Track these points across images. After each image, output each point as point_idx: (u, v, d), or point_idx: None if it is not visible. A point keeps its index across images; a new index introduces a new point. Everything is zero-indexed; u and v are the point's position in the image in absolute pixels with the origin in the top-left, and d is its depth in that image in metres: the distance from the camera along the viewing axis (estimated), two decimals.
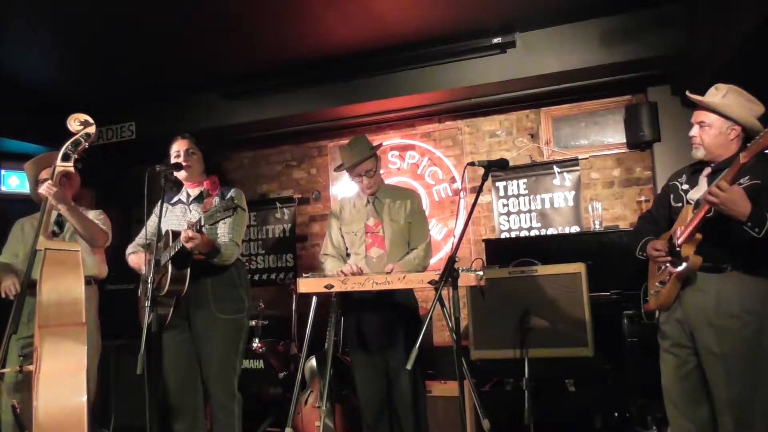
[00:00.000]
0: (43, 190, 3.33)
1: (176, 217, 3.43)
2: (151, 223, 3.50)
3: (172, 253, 3.08)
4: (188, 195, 3.47)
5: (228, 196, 3.33)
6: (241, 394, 3.36)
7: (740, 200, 2.46)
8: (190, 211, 3.41)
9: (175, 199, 3.50)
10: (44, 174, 3.65)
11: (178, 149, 3.42)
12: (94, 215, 3.82)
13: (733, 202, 2.46)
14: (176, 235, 3.13)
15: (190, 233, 2.92)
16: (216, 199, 3.34)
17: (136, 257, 3.45)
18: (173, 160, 3.38)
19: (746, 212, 2.46)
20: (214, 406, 3.30)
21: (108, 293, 4.34)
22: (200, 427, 3.36)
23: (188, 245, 2.96)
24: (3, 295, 3.59)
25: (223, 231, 3.29)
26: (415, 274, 3.16)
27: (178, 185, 3.52)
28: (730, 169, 2.51)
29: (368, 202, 3.65)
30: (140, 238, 3.54)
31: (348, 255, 3.70)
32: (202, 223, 2.89)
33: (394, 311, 3.48)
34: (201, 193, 3.44)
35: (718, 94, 2.73)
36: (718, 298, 2.64)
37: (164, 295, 3.14)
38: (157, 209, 3.29)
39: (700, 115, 2.78)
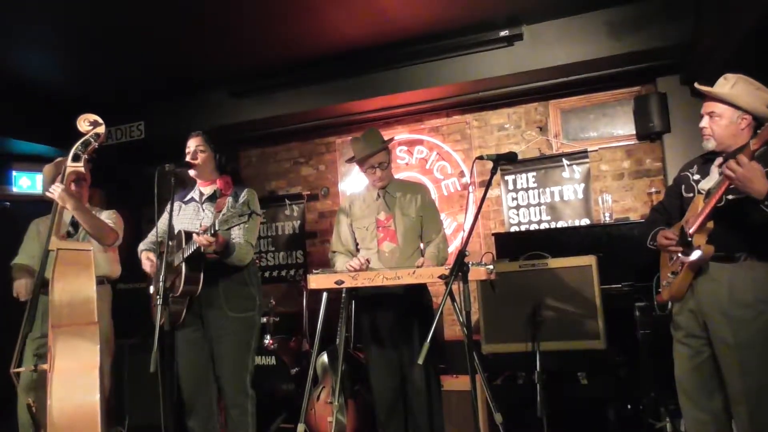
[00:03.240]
0: (50, 190, 3.36)
1: (189, 215, 3.44)
2: (163, 221, 3.51)
3: (186, 255, 3.09)
4: (201, 193, 3.48)
5: (242, 198, 3.34)
6: (254, 390, 3.38)
7: (757, 178, 2.42)
8: (203, 210, 3.42)
9: (188, 196, 3.51)
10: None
11: (189, 146, 3.44)
12: (107, 215, 3.85)
13: (749, 180, 2.42)
14: (189, 235, 3.14)
15: (206, 239, 2.94)
16: (229, 200, 3.35)
17: (149, 262, 3.41)
18: (186, 157, 3.41)
19: (763, 191, 2.42)
20: (228, 403, 3.32)
21: (120, 292, 4.36)
22: (214, 423, 3.38)
23: (204, 248, 2.99)
24: (15, 296, 3.62)
25: (237, 233, 3.29)
26: (426, 269, 3.16)
27: (191, 182, 3.53)
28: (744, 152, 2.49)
29: (379, 196, 3.65)
30: (152, 236, 3.55)
31: (358, 250, 3.70)
32: (217, 228, 2.89)
33: (408, 306, 3.48)
34: (214, 192, 3.45)
35: (727, 84, 2.71)
36: (731, 288, 2.62)
37: (178, 295, 3.15)
38: (168, 206, 3.31)
39: (709, 106, 2.76)
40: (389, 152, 3.66)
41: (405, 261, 3.51)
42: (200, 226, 3.17)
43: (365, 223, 3.64)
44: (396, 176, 3.86)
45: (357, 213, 3.70)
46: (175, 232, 3.29)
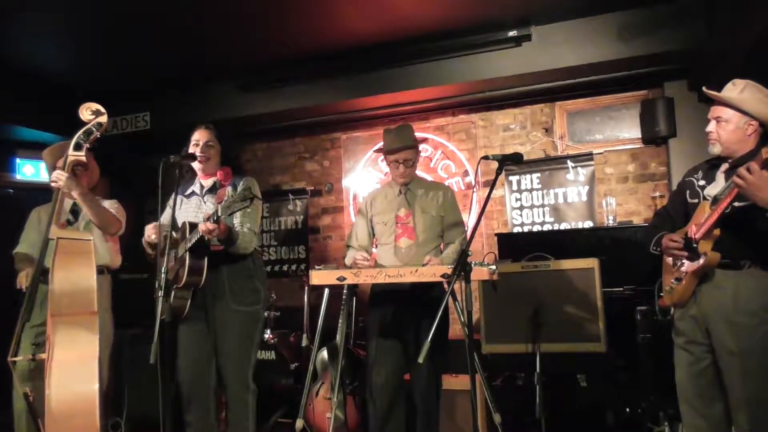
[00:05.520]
0: (53, 178, 3.34)
1: (191, 208, 3.43)
2: (166, 213, 3.49)
3: (190, 245, 3.08)
4: (202, 186, 3.47)
5: (242, 185, 3.32)
6: (255, 385, 3.37)
7: (766, 187, 2.42)
8: (205, 202, 3.42)
9: (189, 190, 3.50)
10: (61, 162, 3.66)
11: (197, 139, 3.42)
12: (108, 204, 3.84)
13: (758, 188, 2.42)
14: (193, 227, 3.14)
15: (210, 226, 2.93)
16: (229, 189, 3.35)
17: (153, 229, 3.33)
18: (191, 149, 3.39)
19: None
20: (230, 397, 3.31)
21: (122, 283, 4.35)
22: (211, 417, 3.36)
23: (208, 236, 2.98)
24: (18, 287, 3.61)
25: (239, 221, 3.29)
26: (428, 267, 3.15)
27: (192, 174, 3.52)
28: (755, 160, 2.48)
29: (401, 192, 3.65)
30: None
31: (376, 246, 3.71)
32: (219, 214, 2.88)
33: (423, 303, 3.44)
34: (215, 183, 3.44)
35: (736, 89, 2.71)
36: (736, 296, 2.61)
37: (181, 286, 3.14)
38: (171, 200, 3.30)
39: (717, 111, 2.76)
40: (417, 152, 3.66)
41: (420, 258, 3.48)
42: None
43: (384, 219, 3.65)
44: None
45: (378, 208, 3.71)
46: (179, 224, 3.28)
